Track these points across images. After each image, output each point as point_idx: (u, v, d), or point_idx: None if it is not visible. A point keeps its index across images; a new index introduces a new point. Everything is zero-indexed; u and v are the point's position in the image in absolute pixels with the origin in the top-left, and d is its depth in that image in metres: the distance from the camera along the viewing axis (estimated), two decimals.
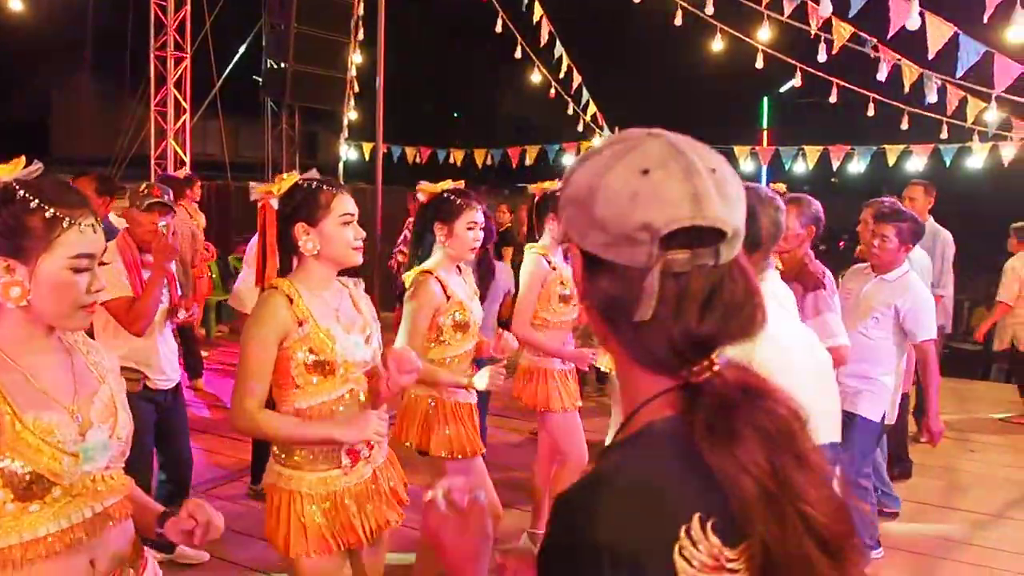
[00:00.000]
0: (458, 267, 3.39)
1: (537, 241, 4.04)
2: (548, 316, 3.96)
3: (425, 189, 3.36)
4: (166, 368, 3.80)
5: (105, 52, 14.26)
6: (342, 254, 2.40)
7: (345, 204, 2.39)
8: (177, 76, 10.73)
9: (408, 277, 3.29)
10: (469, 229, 3.26)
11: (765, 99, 28.00)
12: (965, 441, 6.75)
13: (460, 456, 3.24)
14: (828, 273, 3.77)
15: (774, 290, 2.40)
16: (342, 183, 2.52)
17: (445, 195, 3.29)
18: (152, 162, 10.83)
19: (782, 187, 8.37)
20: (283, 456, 2.41)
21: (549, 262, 3.93)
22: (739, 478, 0.86)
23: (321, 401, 2.36)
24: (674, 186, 0.88)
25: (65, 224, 1.54)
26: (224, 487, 5.12)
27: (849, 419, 4.08)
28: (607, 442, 0.98)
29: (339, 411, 2.39)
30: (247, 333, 2.34)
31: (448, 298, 3.22)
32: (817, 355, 2.15)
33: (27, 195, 1.53)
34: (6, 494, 1.49)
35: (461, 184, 3.42)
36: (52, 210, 1.54)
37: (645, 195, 0.88)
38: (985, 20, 4.28)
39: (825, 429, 1.91)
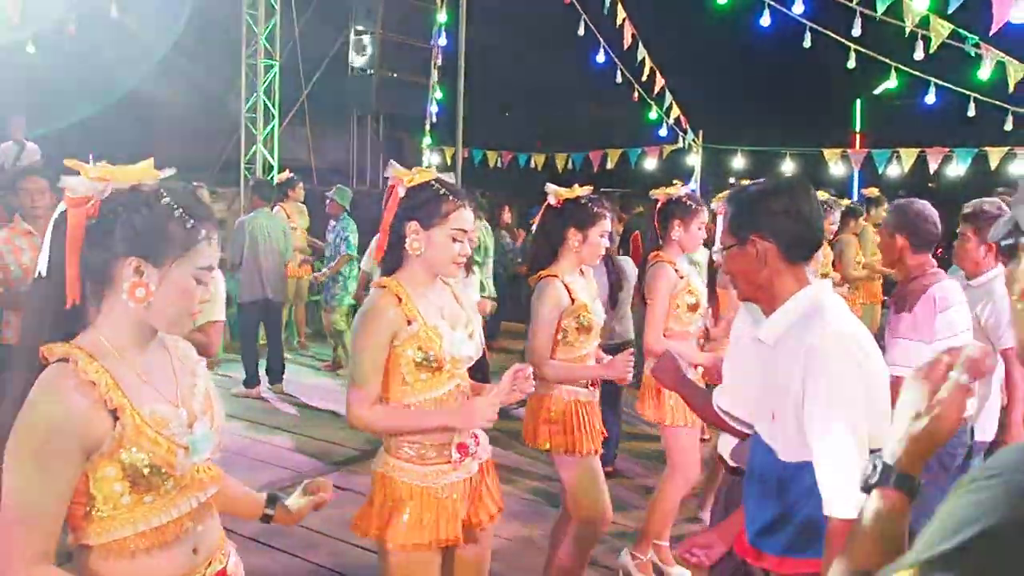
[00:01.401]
0: (581, 270, 3.44)
1: (661, 249, 3.93)
2: (675, 326, 3.89)
3: (558, 193, 3.39)
4: None
5: (197, 59, 14.80)
6: (442, 264, 2.43)
7: (463, 219, 2.42)
8: (266, 83, 11.00)
9: (534, 280, 3.37)
10: (601, 236, 3.34)
11: (858, 101, 27.07)
12: None
13: (575, 454, 3.28)
14: (935, 291, 3.44)
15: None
16: (466, 192, 2.50)
17: (583, 201, 3.35)
18: (242, 167, 11.13)
19: (875, 191, 8.00)
20: (394, 448, 2.44)
21: (677, 270, 3.85)
22: None
23: (429, 397, 2.40)
24: None
25: (200, 236, 1.62)
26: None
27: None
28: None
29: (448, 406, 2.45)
30: (360, 332, 2.39)
31: (572, 301, 3.28)
32: None
33: (173, 203, 1.60)
34: (124, 486, 1.55)
35: (589, 190, 3.44)
36: (192, 221, 1.61)
37: None
38: None
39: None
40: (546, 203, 3.40)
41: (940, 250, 4.96)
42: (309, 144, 13.55)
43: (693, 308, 3.90)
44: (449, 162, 9.28)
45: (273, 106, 11.09)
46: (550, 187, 3.42)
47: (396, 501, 2.40)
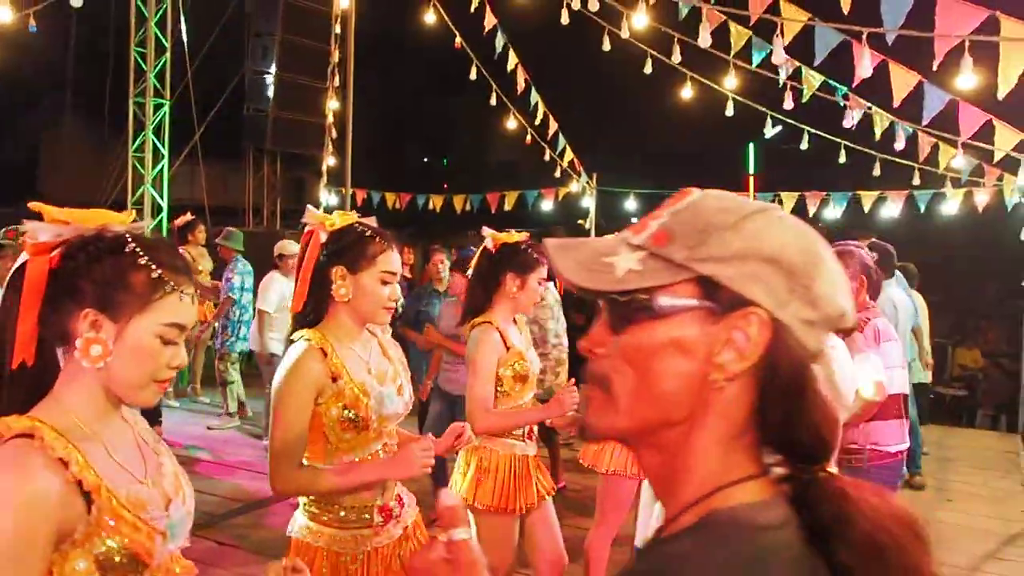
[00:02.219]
0: (515, 318, 3.31)
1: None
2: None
3: (495, 237, 3.26)
4: None
5: (88, 97, 14.34)
6: (372, 311, 2.31)
7: (391, 262, 2.31)
8: (156, 122, 10.72)
9: (467, 328, 3.22)
10: (539, 284, 3.23)
11: (751, 145, 28.26)
12: (944, 491, 6.65)
13: (505, 513, 3.12)
14: (879, 323, 3.62)
15: None
16: (391, 234, 2.38)
17: (522, 247, 3.22)
18: (129, 207, 10.77)
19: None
20: (315, 511, 2.29)
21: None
22: None
23: (355, 459, 2.26)
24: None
25: (168, 288, 1.43)
26: None
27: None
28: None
29: None
30: (282, 389, 2.21)
31: (508, 348, 3.15)
32: None
33: (137, 249, 1.42)
34: None
35: (525, 235, 3.33)
36: (159, 271, 1.43)
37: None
38: (935, 68, 4.28)
39: None
40: (482, 247, 3.26)
41: None
42: (203, 184, 13.25)
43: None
44: (345, 201, 9.20)
45: (163, 145, 10.81)
46: (487, 231, 3.29)
47: (317, 568, 2.22)
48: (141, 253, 1.42)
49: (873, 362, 3.39)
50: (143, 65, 10.56)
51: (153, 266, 1.42)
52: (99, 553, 1.35)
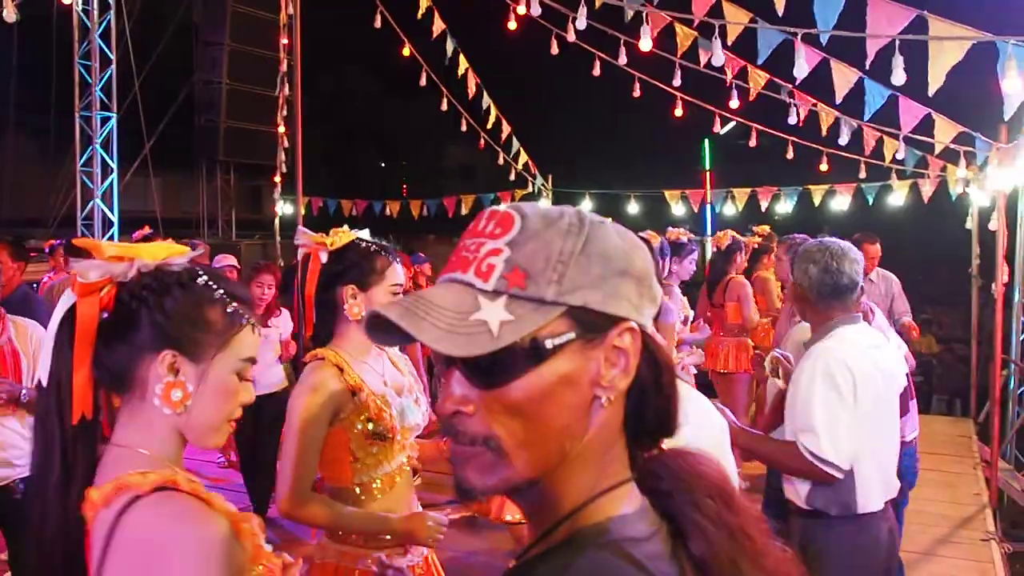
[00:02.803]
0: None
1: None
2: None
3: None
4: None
5: (32, 112, 14.07)
6: None
7: (398, 274, 2.27)
8: (103, 135, 10.54)
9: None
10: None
11: (706, 141, 28.50)
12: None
13: None
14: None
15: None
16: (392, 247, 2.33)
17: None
18: (79, 224, 10.57)
19: (765, 228, 7.95)
20: (340, 532, 2.22)
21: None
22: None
23: (381, 473, 2.22)
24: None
25: (243, 322, 1.34)
26: None
27: None
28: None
29: (398, 481, 2.26)
30: (298, 409, 2.11)
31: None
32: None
33: (210, 283, 1.32)
34: None
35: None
36: (233, 304, 1.33)
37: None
38: (867, 66, 4.38)
39: None
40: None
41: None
42: (155, 196, 13.06)
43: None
44: (298, 209, 9.12)
45: (111, 159, 10.64)
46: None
47: None
48: (214, 286, 1.33)
49: None
50: (88, 78, 10.38)
51: (228, 299, 1.33)
52: None
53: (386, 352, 2.39)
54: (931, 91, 3.96)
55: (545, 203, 0.91)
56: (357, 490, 2.20)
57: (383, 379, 2.27)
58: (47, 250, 7.42)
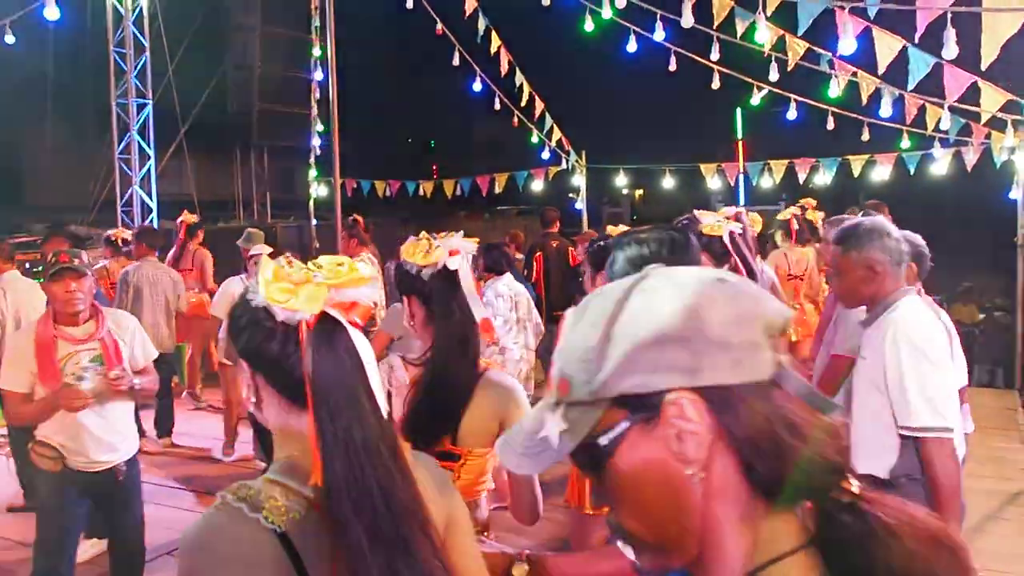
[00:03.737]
0: None
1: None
2: None
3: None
4: (91, 450, 3.52)
5: (70, 101, 14.25)
6: None
7: None
8: (140, 122, 10.65)
9: None
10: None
11: (738, 111, 28.11)
12: None
13: None
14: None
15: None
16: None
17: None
18: (118, 210, 10.73)
19: (812, 202, 7.64)
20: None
21: None
22: None
23: None
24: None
25: None
26: None
27: None
28: None
29: None
30: None
31: None
32: None
33: None
34: None
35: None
36: None
37: (731, 298, 0.81)
38: (916, 40, 4.28)
39: None
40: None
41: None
42: (191, 180, 13.20)
43: None
44: (336, 191, 9.17)
45: (148, 146, 10.76)
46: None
47: None
48: None
49: None
50: (123, 66, 10.48)
51: None
52: None
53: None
54: (984, 64, 3.87)
55: (607, 294, 0.84)
56: None
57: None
58: (116, 239, 7.67)
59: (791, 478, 0.77)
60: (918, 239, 3.36)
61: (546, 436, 0.82)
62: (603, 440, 0.80)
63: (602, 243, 2.94)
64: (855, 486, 0.78)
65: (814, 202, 6.62)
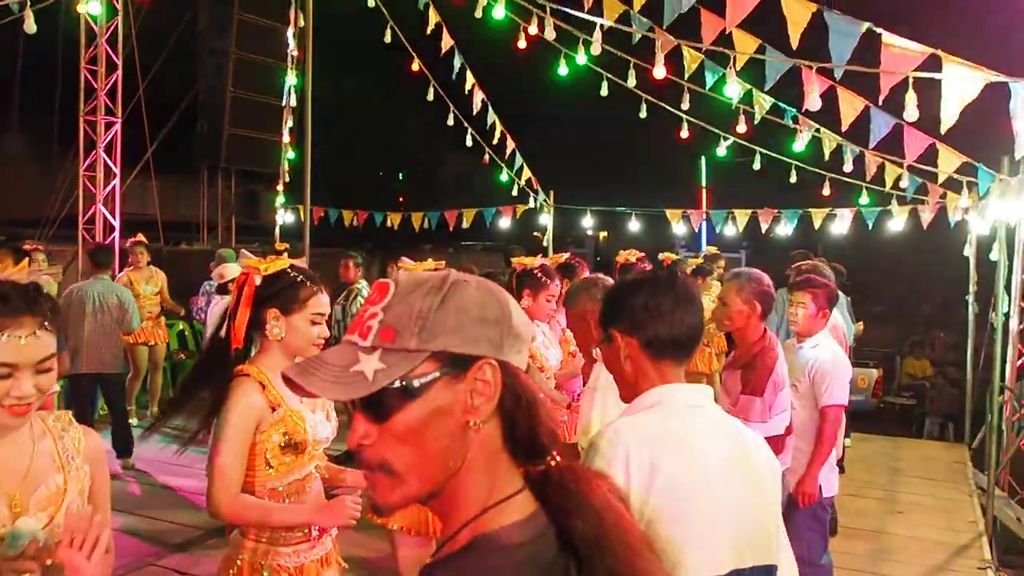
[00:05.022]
0: None
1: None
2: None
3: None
4: None
5: (35, 115, 14.07)
6: (303, 348, 2.50)
7: (321, 304, 2.52)
8: (107, 140, 10.55)
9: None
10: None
11: (703, 159, 28.66)
12: (894, 502, 6.81)
13: None
14: (779, 368, 3.63)
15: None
16: (320, 277, 2.58)
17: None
18: (80, 227, 10.57)
19: (713, 249, 8.31)
20: (254, 532, 2.46)
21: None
22: None
23: (293, 479, 2.46)
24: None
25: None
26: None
27: (792, 499, 4.03)
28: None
29: (308, 489, 2.50)
30: (227, 421, 2.38)
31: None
32: (753, 463, 1.83)
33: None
34: None
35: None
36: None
37: (518, 307, 1.09)
38: (880, 103, 4.43)
39: (759, 548, 1.76)
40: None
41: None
42: (156, 201, 13.06)
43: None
44: (304, 220, 9.13)
45: (114, 164, 10.65)
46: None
47: None
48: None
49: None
50: (94, 83, 10.40)
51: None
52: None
53: None
54: (944, 128, 4.01)
55: (421, 274, 1.06)
56: (266, 498, 2.44)
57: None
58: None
59: (535, 441, 1.03)
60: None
61: (361, 371, 0.98)
62: (416, 383, 0.98)
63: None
64: (556, 457, 1.05)
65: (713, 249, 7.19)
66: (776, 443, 3.38)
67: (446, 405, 0.98)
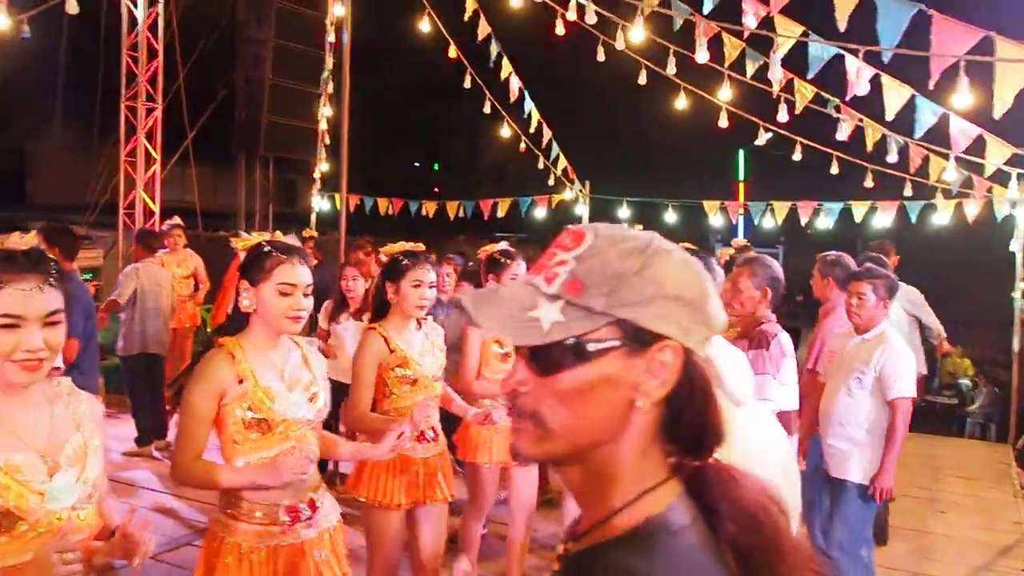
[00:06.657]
0: (418, 322, 3.48)
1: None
2: (488, 374, 4.11)
3: (386, 251, 3.56)
4: None
5: (78, 101, 14.27)
6: (273, 320, 2.48)
7: (287, 274, 2.47)
8: (148, 127, 10.68)
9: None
10: (416, 287, 3.35)
11: (741, 151, 28.28)
12: (935, 501, 6.67)
13: (383, 505, 3.31)
14: (782, 338, 3.70)
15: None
16: (299, 249, 2.57)
17: (400, 257, 3.42)
18: (120, 212, 10.72)
19: (743, 241, 8.15)
20: (225, 504, 2.50)
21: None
22: None
23: (259, 457, 2.44)
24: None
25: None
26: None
27: (839, 486, 4.02)
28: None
29: None
30: (188, 388, 2.44)
31: (392, 352, 3.32)
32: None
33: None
34: None
35: (421, 246, 3.58)
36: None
37: (716, 295, 0.98)
38: (931, 87, 4.30)
39: None
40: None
41: (801, 297, 5.15)
42: (195, 188, 13.20)
43: (504, 358, 4.09)
44: (339, 208, 9.16)
45: (154, 150, 10.77)
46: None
47: (220, 559, 2.43)
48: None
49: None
50: (135, 70, 10.52)
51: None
52: None
53: (302, 348, 2.65)
54: (997, 114, 3.88)
55: (624, 227, 0.98)
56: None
57: (281, 373, 2.52)
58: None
59: (699, 435, 0.96)
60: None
61: (538, 318, 0.92)
62: (591, 346, 0.92)
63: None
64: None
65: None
66: (786, 419, 3.42)
67: (616, 377, 0.92)
